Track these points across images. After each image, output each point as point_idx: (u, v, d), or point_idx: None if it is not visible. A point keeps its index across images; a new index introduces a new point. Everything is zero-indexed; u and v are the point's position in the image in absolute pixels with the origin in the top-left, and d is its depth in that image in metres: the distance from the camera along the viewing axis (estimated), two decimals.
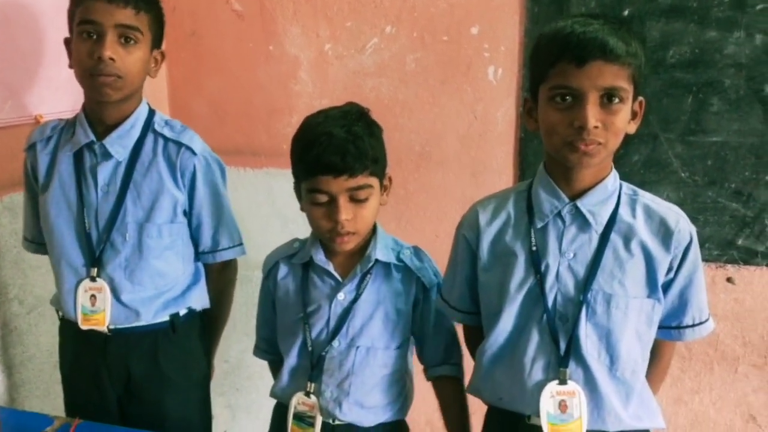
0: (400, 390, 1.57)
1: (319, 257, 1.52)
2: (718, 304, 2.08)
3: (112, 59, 1.54)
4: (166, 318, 1.74)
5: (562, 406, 1.33)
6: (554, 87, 1.25)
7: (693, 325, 1.38)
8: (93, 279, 1.67)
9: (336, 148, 1.37)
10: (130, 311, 1.69)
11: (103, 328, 1.68)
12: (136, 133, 1.67)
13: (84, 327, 1.68)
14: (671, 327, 1.39)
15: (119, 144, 1.65)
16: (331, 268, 1.52)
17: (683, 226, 1.33)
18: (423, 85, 2.24)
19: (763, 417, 2.13)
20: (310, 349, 1.53)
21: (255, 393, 2.55)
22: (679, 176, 2.01)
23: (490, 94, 2.20)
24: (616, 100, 1.22)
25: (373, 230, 1.54)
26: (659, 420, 1.42)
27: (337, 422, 1.52)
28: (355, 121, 1.43)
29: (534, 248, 1.36)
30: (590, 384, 1.33)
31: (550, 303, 1.34)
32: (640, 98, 1.29)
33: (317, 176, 1.39)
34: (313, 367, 1.52)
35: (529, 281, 1.36)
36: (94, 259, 1.67)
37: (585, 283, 1.33)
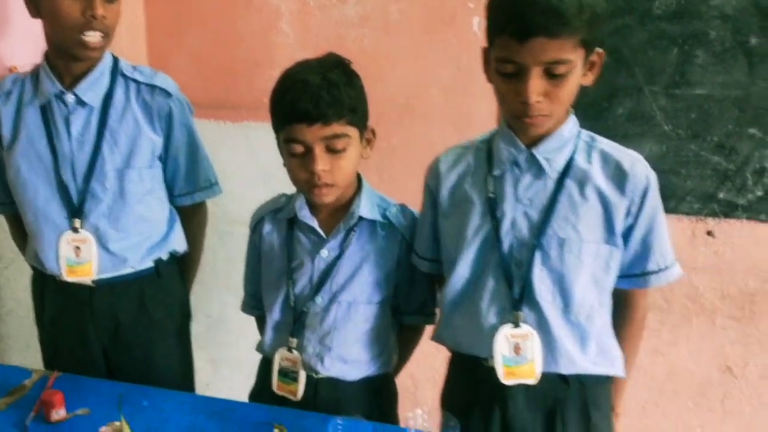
0: (384, 345, 1.57)
1: (304, 213, 1.51)
2: (698, 257, 2.10)
3: (103, 16, 1.53)
4: (151, 263, 1.73)
5: (516, 349, 1.36)
6: (498, 58, 1.25)
7: (658, 271, 1.39)
8: (75, 230, 1.65)
9: (310, 95, 1.35)
10: (118, 259, 1.68)
11: (88, 280, 1.67)
12: (105, 80, 1.65)
13: (69, 279, 1.66)
14: (636, 275, 1.40)
15: (91, 91, 1.63)
16: (315, 224, 1.51)
17: (639, 169, 1.34)
18: (406, 36, 2.21)
19: (739, 368, 2.17)
20: (292, 304, 1.53)
21: (237, 348, 2.55)
22: (662, 129, 2.01)
23: (474, 45, 2.14)
24: (561, 71, 1.21)
25: (359, 186, 1.53)
26: (618, 368, 1.44)
27: (320, 376, 1.52)
28: (332, 68, 1.41)
29: (491, 195, 1.38)
30: (544, 327, 1.36)
31: (505, 248, 1.36)
32: (598, 50, 1.28)
33: (292, 124, 1.37)
34: (295, 323, 1.53)
35: (485, 227, 1.38)
36: (75, 210, 1.65)
37: (539, 228, 1.35)
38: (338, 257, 1.50)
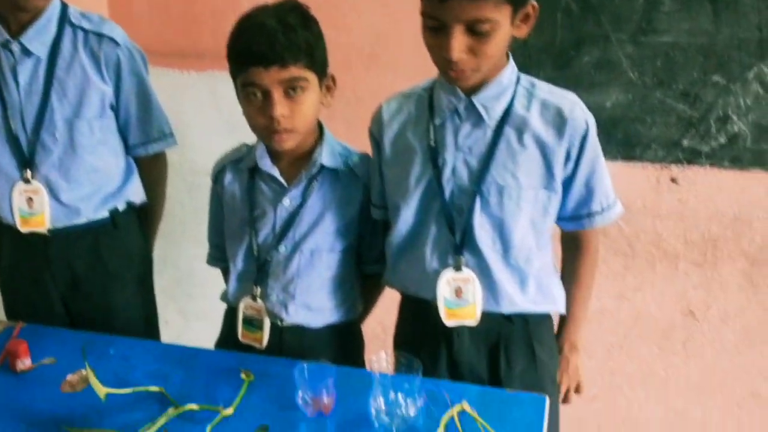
0: (348, 293, 1.58)
1: (264, 162, 1.50)
2: (662, 204, 2.13)
3: None
4: (106, 214, 1.73)
5: (458, 292, 1.40)
6: (423, 13, 1.25)
7: (602, 211, 1.43)
8: (27, 181, 1.63)
9: (266, 37, 1.34)
10: (70, 209, 1.67)
11: (44, 230, 1.66)
12: (53, 28, 1.61)
13: (24, 230, 1.66)
14: (582, 216, 1.44)
15: (37, 40, 1.60)
16: (276, 173, 1.50)
17: (578, 114, 1.35)
18: None
19: (701, 312, 2.22)
20: (255, 253, 1.53)
21: (206, 299, 2.55)
22: (628, 77, 2.01)
23: None
24: (484, 29, 1.21)
25: (321, 135, 1.52)
26: (559, 305, 1.51)
27: (285, 324, 1.54)
28: (288, 12, 1.39)
29: (432, 144, 1.39)
30: (485, 270, 1.40)
31: (446, 195, 1.39)
32: (533, 2, 1.27)
33: (249, 68, 1.36)
34: (258, 272, 1.53)
35: (427, 175, 1.40)
36: (26, 161, 1.63)
37: (479, 176, 1.36)
38: (300, 206, 1.50)
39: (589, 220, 1.44)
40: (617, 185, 2.11)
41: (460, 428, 1.22)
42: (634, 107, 2.03)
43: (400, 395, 1.24)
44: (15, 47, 1.59)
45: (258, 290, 1.53)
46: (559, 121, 1.35)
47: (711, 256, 2.16)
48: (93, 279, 1.74)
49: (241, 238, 1.55)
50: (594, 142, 1.38)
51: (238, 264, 1.56)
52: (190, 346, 1.52)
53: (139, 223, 1.83)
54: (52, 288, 1.73)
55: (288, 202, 1.50)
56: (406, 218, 1.43)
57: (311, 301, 1.53)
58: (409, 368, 1.27)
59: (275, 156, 1.50)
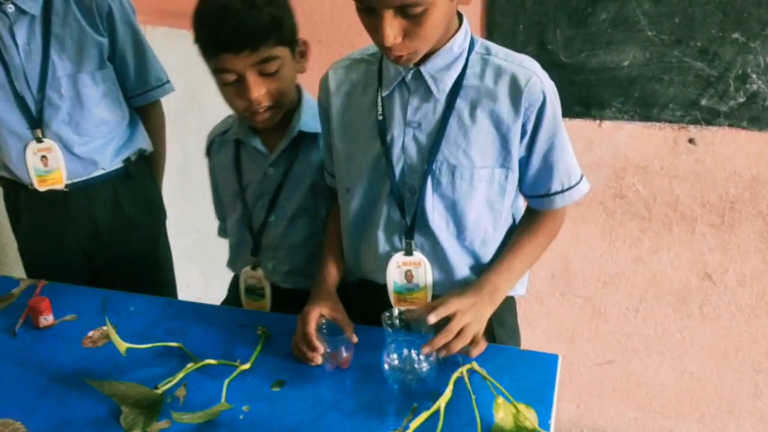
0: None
1: (246, 134, 1.49)
2: (679, 165, 2.11)
3: None
4: (120, 165, 1.75)
5: (408, 276, 1.35)
6: None
7: (562, 191, 1.33)
8: (39, 140, 1.66)
9: (232, 22, 1.29)
10: (87, 162, 1.71)
11: (61, 186, 1.69)
12: None
13: (41, 188, 1.69)
14: (540, 195, 1.34)
15: None
16: (258, 143, 1.49)
17: (534, 83, 1.23)
18: None
19: (717, 275, 2.21)
20: (248, 224, 1.54)
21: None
22: (646, 35, 1.98)
23: None
24: (416, 11, 1.09)
25: (299, 100, 1.49)
26: (519, 289, 1.43)
27: (285, 288, 1.56)
28: None
29: (380, 117, 1.29)
30: (438, 253, 1.34)
31: (397, 175, 1.30)
32: None
33: (219, 55, 1.32)
34: (254, 241, 1.54)
35: (376, 152, 1.31)
36: (35, 120, 1.65)
37: (429, 154, 1.27)
38: (285, 173, 1.49)
39: (548, 200, 1.33)
40: (634, 146, 2.11)
41: (469, 387, 1.22)
42: (651, 66, 2.00)
43: (413, 351, 1.24)
44: (9, 8, 1.60)
45: (254, 259, 1.55)
46: (515, 93, 1.23)
47: (728, 218, 2.14)
48: (114, 229, 1.79)
49: (235, 208, 1.56)
50: (552, 115, 1.26)
51: (234, 234, 1.58)
52: (209, 304, 1.54)
53: (149, 170, 1.86)
54: (74, 242, 1.77)
55: (272, 171, 1.50)
56: (355, 198, 1.36)
57: (305, 266, 1.54)
58: (423, 323, 1.27)
59: (256, 126, 1.49)
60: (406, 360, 1.24)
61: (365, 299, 1.45)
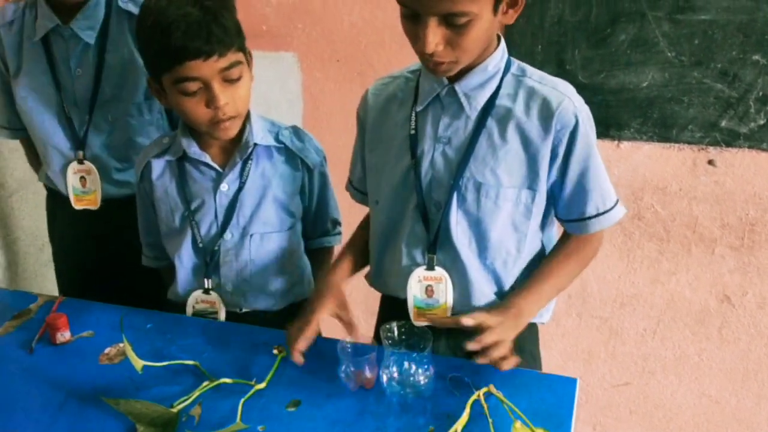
0: (302, 270, 1.58)
1: (193, 149, 1.45)
2: (698, 186, 2.10)
3: None
4: None
5: (429, 291, 1.34)
6: (398, 1, 1.16)
7: (597, 215, 1.32)
8: (81, 162, 1.70)
9: (198, 27, 1.28)
10: (123, 185, 1.74)
11: (96, 207, 1.74)
12: (101, 12, 1.64)
13: (77, 207, 1.74)
14: (575, 219, 1.33)
15: (86, 26, 1.63)
16: (208, 159, 1.46)
17: (566, 107, 1.24)
18: None
19: (737, 297, 2.19)
20: (201, 246, 1.50)
21: None
22: (665, 56, 1.98)
23: None
24: (461, 22, 1.11)
25: (247, 114, 1.47)
26: (542, 316, 1.42)
27: (244, 311, 1.54)
28: None
29: (413, 132, 1.32)
30: (459, 270, 1.33)
31: (424, 189, 1.31)
32: None
33: (183, 63, 1.29)
34: (207, 264, 1.51)
35: (405, 166, 1.33)
36: (79, 142, 1.69)
37: (457, 170, 1.28)
38: (239, 189, 1.46)
39: (583, 224, 1.33)
40: (653, 167, 2.10)
41: (486, 410, 1.21)
42: (670, 87, 1.99)
43: (412, 365, 1.25)
44: (66, 33, 1.63)
45: (210, 282, 1.51)
46: (546, 114, 1.24)
47: (748, 240, 2.12)
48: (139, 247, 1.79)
49: (183, 232, 1.51)
50: (585, 139, 1.26)
51: (184, 259, 1.53)
52: (225, 322, 1.54)
53: None
54: (107, 255, 1.79)
55: (226, 187, 1.46)
56: (384, 212, 1.37)
57: (268, 284, 1.52)
58: (422, 338, 1.27)
59: (203, 141, 1.46)
60: (405, 373, 1.25)
61: (387, 315, 1.45)
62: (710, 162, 2.07)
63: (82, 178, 1.71)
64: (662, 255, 2.21)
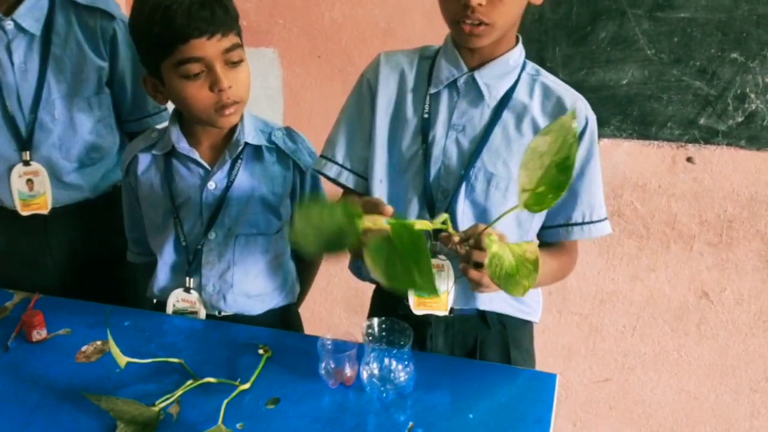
0: (286, 275, 1.55)
1: (183, 145, 1.43)
2: (677, 183, 2.11)
3: None
4: (106, 190, 1.72)
5: None
6: None
7: (583, 223, 1.32)
8: (26, 163, 1.61)
9: (201, 6, 1.27)
10: (74, 187, 1.66)
11: (45, 212, 1.65)
12: (44, 3, 1.57)
13: (24, 213, 1.64)
14: (559, 225, 1.33)
15: (30, 17, 1.56)
16: (197, 155, 1.43)
17: (580, 107, 1.27)
18: None
19: (715, 293, 2.21)
20: (184, 243, 1.48)
21: None
22: (645, 54, 1.99)
23: None
24: None
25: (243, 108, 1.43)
26: (535, 316, 1.42)
27: (223, 314, 1.51)
28: None
29: (426, 115, 1.31)
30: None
31: (432, 175, 1.30)
32: None
33: (188, 42, 1.27)
34: (190, 263, 1.48)
35: (415, 150, 1.32)
36: (24, 142, 1.61)
37: (469, 159, 1.28)
38: (227, 188, 1.43)
39: (565, 230, 1.33)
40: (632, 164, 2.12)
41: None
42: (650, 85, 2.01)
43: (392, 362, 1.25)
44: (8, 25, 1.55)
45: (191, 281, 1.48)
46: (559, 113, 1.26)
47: (726, 237, 2.14)
48: (94, 256, 1.73)
49: (166, 228, 1.48)
50: (588, 143, 1.28)
51: (165, 256, 1.50)
52: (205, 320, 1.52)
53: None
54: (52, 268, 1.72)
55: (213, 186, 1.43)
56: (388, 193, 1.34)
57: (250, 287, 1.49)
58: (402, 334, 1.27)
59: (193, 137, 1.44)
60: (385, 370, 1.25)
61: (382, 303, 1.45)
62: (689, 159, 2.08)
63: (29, 180, 1.61)
64: (641, 252, 2.22)
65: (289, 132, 1.49)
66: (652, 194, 2.14)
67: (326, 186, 1.57)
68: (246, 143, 1.43)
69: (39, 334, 1.42)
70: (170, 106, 1.70)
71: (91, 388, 1.27)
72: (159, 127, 1.54)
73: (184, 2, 1.27)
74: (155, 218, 1.50)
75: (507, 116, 1.29)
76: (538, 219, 1.34)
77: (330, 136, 1.42)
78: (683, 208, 2.14)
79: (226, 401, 1.24)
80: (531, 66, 1.32)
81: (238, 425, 1.19)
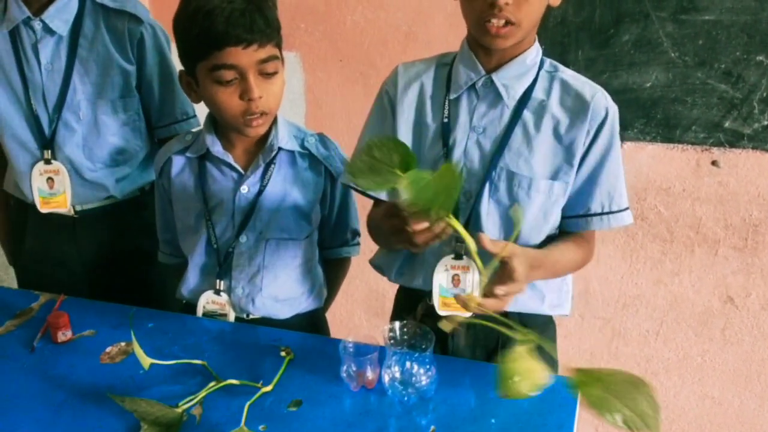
0: (314, 280, 1.55)
1: (217, 149, 1.43)
2: (701, 187, 2.09)
3: None
4: (133, 193, 1.73)
5: (455, 280, 1.32)
6: None
7: (602, 213, 1.32)
8: (48, 162, 1.64)
9: (241, 14, 1.27)
10: (96, 187, 1.68)
11: (66, 210, 1.67)
12: (74, 5, 1.59)
13: (43, 210, 1.66)
14: (578, 215, 1.33)
15: (59, 18, 1.58)
16: (230, 159, 1.44)
17: (599, 99, 1.28)
18: None
19: (740, 298, 2.19)
20: (215, 246, 1.48)
21: None
22: (669, 57, 1.97)
23: None
24: None
25: (275, 117, 1.45)
26: (564, 309, 1.42)
27: (251, 317, 1.51)
28: None
29: (446, 120, 1.32)
30: (488, 261, 1.28)
31: None
32: None
33: (223, 49, 1.28)
34: (220, 265, 1.49)
35: (437, 154, 1.32)
36: (47, 141, 1.63)
37: (491, 160, 1.29)
38: (260, 193, 1.44)
39: (584, 221, 1.33)
40: (656, 167, 2.10)
41: None
42: (674, 88, 1.99)
43: (414, 365, 1.25)
44: (36, 25, 1.57)
45: (221, 284, 1.49)
46: (580, 107, 1.27)
47: (752, 241, 2.12)
48: (121, 257, 1.74)
49: (198, 231, 1.49)
50: (610, 134, 1.29)
51: (197, 258, 1.51)
52: (228, 322, 1.53)
53: None
54: (79, 269, 1.73)
55: (246, 189, 1.44)
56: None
57: (279, 291, 1.50)
58: (424, 338, 1.27)
59: (228, 141, 1.44)
60: (407, 374, 1.25)
61: (406, 303, 1.45)
62: (714, 163, 2.06)
63: (49, 179, 1.63)
64: (665, 256, 2.20)
65: (322, 138, 1.50)
66: (676, 198, 2.12)
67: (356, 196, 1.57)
68: (279, 148, 1.44)
69: (64, 335, 1.43)
70: (200, 115, 1.73)
71: (115, 388, 1.29)
72: (194, 130, 1.55)
73: (226, 9, 1.28)
74: (187, 220, 1.51)
75: (526, 115, 1.29)
76: (559, 211, 1.34)
77: (356, 149, 1.43)
78: (708, 212, 2.12)
79: (248, 403, 1.24)
80: (549, 63, 1.33)
81: (260, 427, 1.20)
